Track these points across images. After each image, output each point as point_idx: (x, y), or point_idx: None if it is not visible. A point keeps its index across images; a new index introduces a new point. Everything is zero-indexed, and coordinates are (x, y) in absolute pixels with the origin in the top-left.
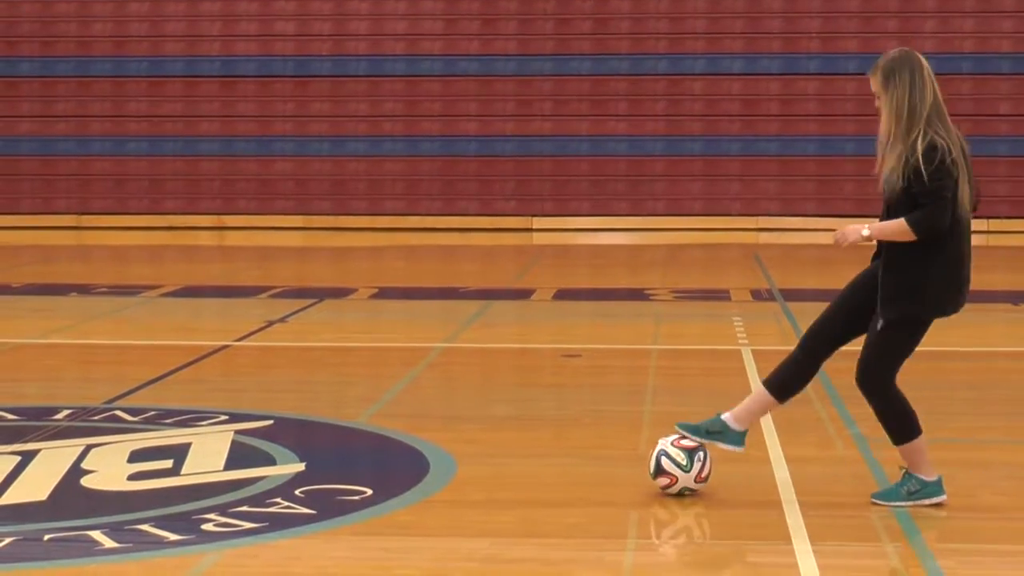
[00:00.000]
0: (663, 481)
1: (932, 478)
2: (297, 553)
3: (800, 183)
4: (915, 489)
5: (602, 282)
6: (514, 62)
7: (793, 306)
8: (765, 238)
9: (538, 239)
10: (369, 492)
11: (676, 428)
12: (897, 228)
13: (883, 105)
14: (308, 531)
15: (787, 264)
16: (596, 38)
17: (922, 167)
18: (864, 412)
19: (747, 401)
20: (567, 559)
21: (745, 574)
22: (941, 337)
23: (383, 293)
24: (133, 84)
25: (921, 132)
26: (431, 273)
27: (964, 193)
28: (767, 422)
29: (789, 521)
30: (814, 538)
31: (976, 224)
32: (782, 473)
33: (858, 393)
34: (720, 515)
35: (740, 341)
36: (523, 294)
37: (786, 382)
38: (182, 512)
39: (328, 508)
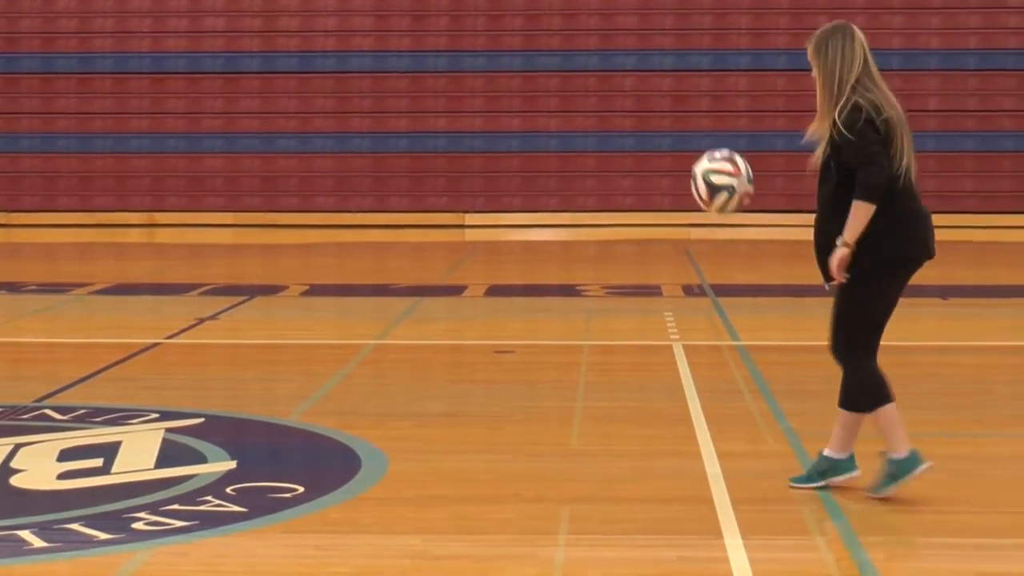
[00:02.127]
0: (722, 197)
1: (904, 453)
2: (228, 551)
3: None
4: (892, 471)
5: (534, 278)
6: (445, 58)
7: (724, 301)
8: (696, 233)
9: (470, 235)
10: (301, 490)
11: (790, 483)
12: (858, 214)
13: (815, 76)
14: (239, 529)
15: (718, 259)
16: (527, 35)
17: (846, 133)
18: (794, 407)
19: (835, 428)
20: (499, 555)
21: (676, 569)
22: None
23: (314, 290)
24: (62, 81)
25: (845, 99)
26: (362, 270)
27: (901, 151)
28: (698, 417)
29: (720, 516)
30: (745, 532)
31: None
32: (713, 468)
33: (789, 388)
34: (651, 510)
35: (671, 336)
36: (455, 290)
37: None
38: (112, 511)
39: (259, 506)
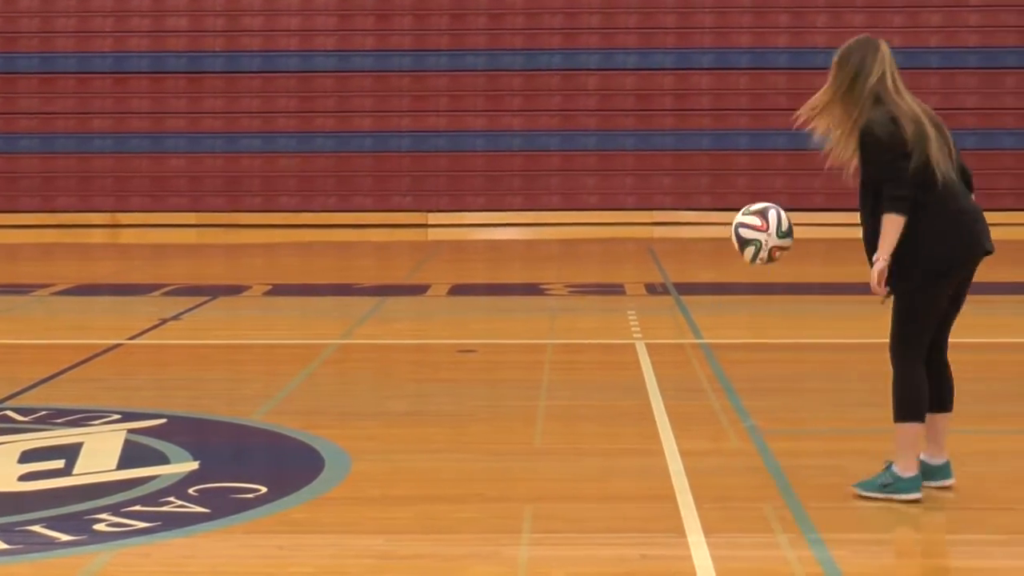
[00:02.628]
0: (750, 251)
1: (909, 474)
2: (191, 552)
3: (694, 177)
4: (888, 483)
5: (497, 277)
6: (409, 57)
7: (687, 300)
8: (660, 232)
9: (433, 235)
10: (263, 490)
11: (853, 489)
12: (889, 228)
13: (831, 86)
14: (202, 530)
15: (681, 258)
16: (491, 33)
17: (869, 148)
18: (757, 405)
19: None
20: (463, 554)
21: (639, 567)
22: (836, 329)
23: (277, 290)
24: (24, 81)
25: (862, 113)
26: (326, 270)
27: (935, 153)
28: (661, 415)
29: (683, 514)
30: (707, 530)
31: (835, 216)
32: (676, 466)
33: (752, 385)
34: (614, 508)
35: (635, 335)
36: (418, 290)
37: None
38: (74, 512)
39: (222, 506)
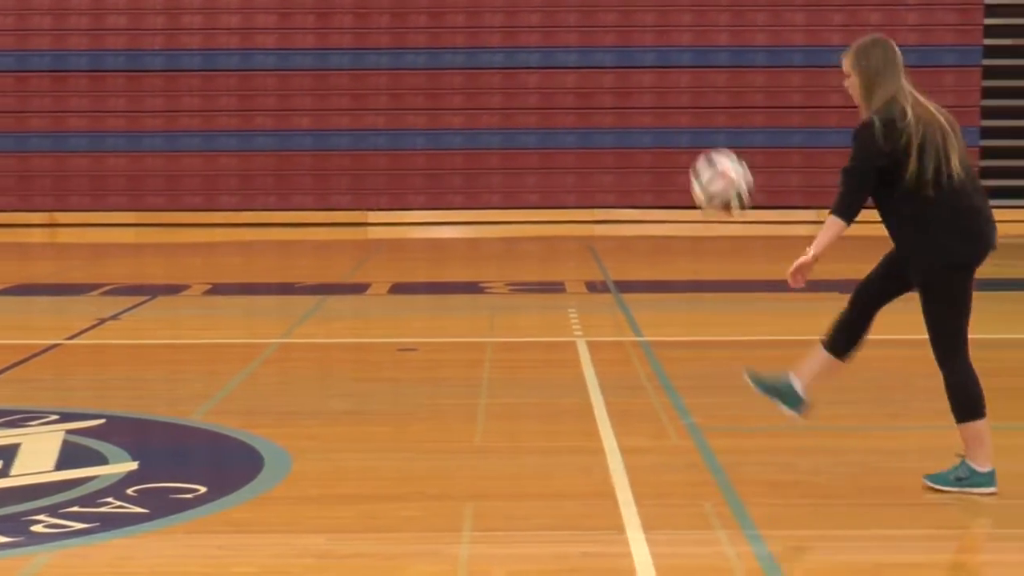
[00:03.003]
0: (736, 204)
1: (984, 469)
2: (130, 553)
3: (635, 175)
4: (964, 476)
5: (438, 275)
6: (348, 56)
7: (627, 297)
8: (600, 230)
9: (374, 233)
10: (203, 490)
11: (744, 374)
12: (827, 231)
13: (852, 84)
14: (141, 530)
15: (622, 256)
16: (431, 32)
17: (856, 140)
18: (697, 402)
19: (807, 359)
20: (404, 553)
21: (579, 564)
22: (778, 325)
23: (218, 289)
24: None
25: (866, 112)
26: (266, 269)
27: (926, 155)
28: (601, 413)
29: (623, 511)
30: (648, 527)
31: (808, 215)
32: (616, 464)
33: (692, 383)
34: (554, 506)
35: (575, 333)
36: (359, 288)
37: (834, 336)
38: (11, 514)
39: (161, 507)
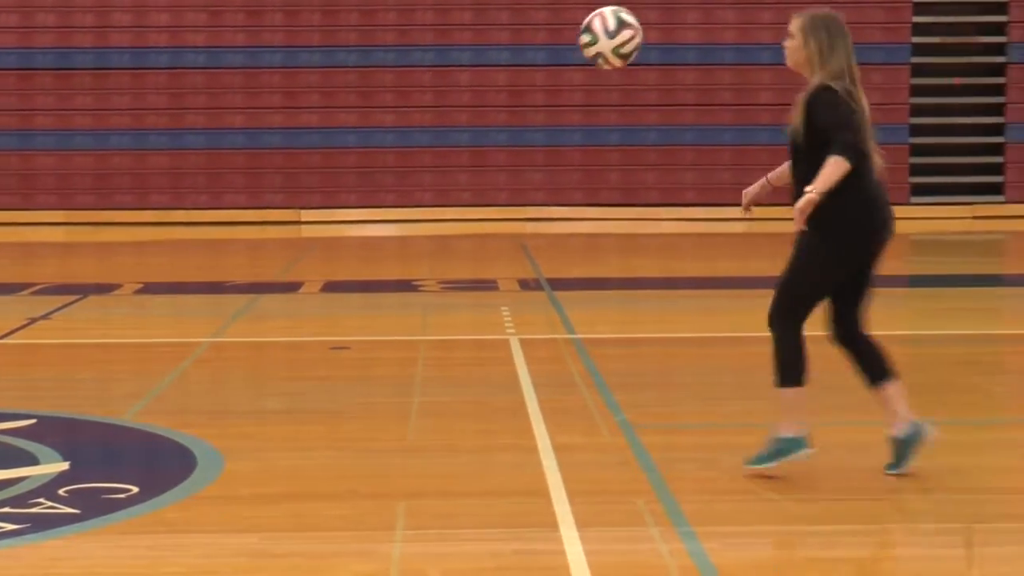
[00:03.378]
0: (584, 39)
1: (792, 434)
2: (61, 554)
3: (566, 173)
4: (778, 450)
5: (371, 274)
6: (280, 54)
7: (560, 295)
8: (532, 228)
9: (306, 232)
10: (135, 490)
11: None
12: (832, 171)
13: (795, 47)
14: (72, 531)
15: (554, 253)
16: (362, 30)
17: (823, 102)
18: (629, 399)
19: (888, 407)
20: (336, 552)
21: (513, 562)
22: (706, 323)
23: (149, 288)
24: None
25: (821, 78)
26: (198, 268)
27: (868, 139)
28: (534, 411)
29: (556, 509)
30: (581, 524)
31: (706, 212)
32: (549, 461)
33: (624, 380)
34: (488, 504)
35: (508, 331)
36: (292, 287)
37: (865, 372)
38: None
39: (93, 507)
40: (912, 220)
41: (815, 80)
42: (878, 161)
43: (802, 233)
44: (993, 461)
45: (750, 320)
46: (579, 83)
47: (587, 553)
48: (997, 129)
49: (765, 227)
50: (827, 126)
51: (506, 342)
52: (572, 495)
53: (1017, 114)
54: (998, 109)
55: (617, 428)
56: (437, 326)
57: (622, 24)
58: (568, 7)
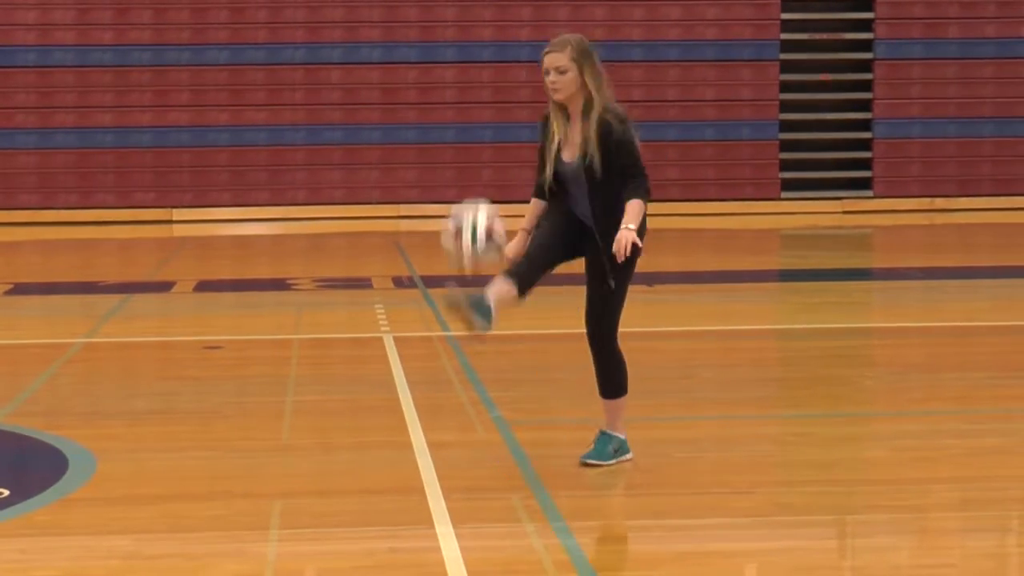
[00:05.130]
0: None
1: (624, 435)
2: None
3: (439, 170)
4: (617, 447)
5: (244, 273)
6: (149, 52)
7: (434, 292)
8: (406, 225)
9: (178, 231)
10: (5, 493)
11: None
12: (639, 208)
13: (571, 79)
14: None
15: (428, 251)
16: (233, 28)
17: (621, 136)
18: (503, 396)
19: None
20: (210, 552)
21: (388, 560)
22: (578, 319)
23: (19, 289)
24: None
25: (607, 107)
26: (68, 268)
27: None
28: (409, 408)
29: (431, 505)
30: (456, 521)
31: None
32: (424, 458)
33: (498, 376)
34: (363, 502)
35: (382, 328)
36: (163, 287)
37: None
38: None
39: None
40: (782, 215)
41: (598, 107)
42: None
43: (605, 255)
44: (863, 453)
45: (630, 316)
46: (451, 80)
47: (463, 549)
48: (865, 125)
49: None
50: (628, 163)
51: (380, 340)
52: (447, 492)
53: (884, 110)
54: (866, 105)
55: (492, 424)
56: (311, 324)
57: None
58: (435, 5)
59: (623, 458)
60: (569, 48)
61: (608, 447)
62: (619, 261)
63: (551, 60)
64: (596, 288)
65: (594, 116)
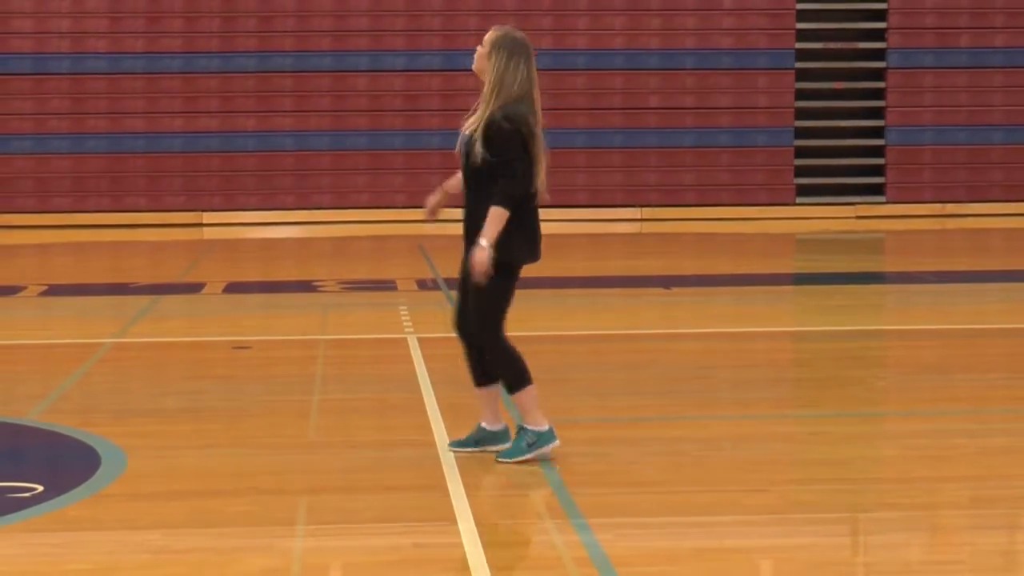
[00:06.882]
0: None
1: (544, 427)
2: None
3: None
4: (532, 441)
5: (271, 275)
6: (180, 59)
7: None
8: (429, 229)
9: (208, 234)
10: (40, 489)
11: (448, 447)
12: (499, 220)
13: (482, 57)
14: None
15: (451, 254)
16: (261, 36)
17: (501, 138)
18: None
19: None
20: (238, 547)
21: (412, 555)
22: (598, 321)
23: (52, 290)
24: None
25: (502, 106)
26: (100, 270)
27: (540, 174)
28: (432, 407)
29: (454, 502)
30: (478, 518)
31: (630, 212)
32: (447, 456)
33: None
34: (388, 499)
35: (406, 329)
36: (193, 288)
37: (478, 369)
38: None
39: None
40: (797, 220)
41: (494, 104)
42: (543, 193)
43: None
44: (875, 452)
45: (640, 319)
46: (473, 87)
47: (485, 546)
48: (878, 132)
49: (652, 227)
50: (498, 166)
51: (404, 340)
52: (469, 489)
53: (897, 117)
54: (879, 112)
55: (513, 423)
56: (337, 325)
57: None
58: (461, 13)
59: (543, 449)
60: (500, 36)
61: (522, 442)
62: (476, 279)
63: (487, 35)
64: (467, 282)
65: (489, 107)
